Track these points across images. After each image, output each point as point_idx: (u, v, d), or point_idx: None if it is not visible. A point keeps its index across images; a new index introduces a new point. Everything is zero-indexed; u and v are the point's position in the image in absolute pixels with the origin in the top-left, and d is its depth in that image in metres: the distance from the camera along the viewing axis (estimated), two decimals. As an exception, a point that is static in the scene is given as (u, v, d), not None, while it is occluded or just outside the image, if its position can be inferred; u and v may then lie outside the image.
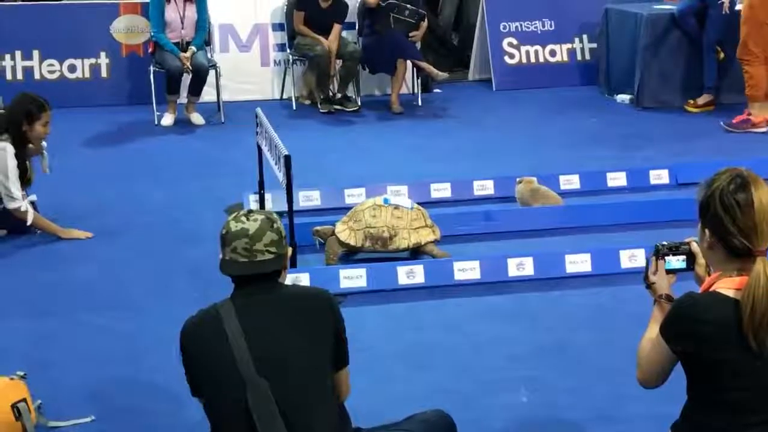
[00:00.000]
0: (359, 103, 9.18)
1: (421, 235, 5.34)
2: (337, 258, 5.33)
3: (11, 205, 5.64)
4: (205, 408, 2.80)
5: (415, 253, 5.39)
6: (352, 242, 5.30)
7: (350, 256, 5.41)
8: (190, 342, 2.80)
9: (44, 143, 5.95)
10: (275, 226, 2.84)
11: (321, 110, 9.02)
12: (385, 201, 5.41)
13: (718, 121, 8.26)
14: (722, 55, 8.75)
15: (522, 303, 4.87)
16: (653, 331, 2.71)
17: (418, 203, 6.18)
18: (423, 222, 5.38)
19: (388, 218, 5.30)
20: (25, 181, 5.79)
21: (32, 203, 5.83)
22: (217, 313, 2.78)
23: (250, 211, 2.87)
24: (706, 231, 2.59)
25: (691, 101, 8.86)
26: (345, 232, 5.32)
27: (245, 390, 2.68)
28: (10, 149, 5.59)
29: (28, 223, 5.71)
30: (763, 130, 8.10)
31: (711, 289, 2.56)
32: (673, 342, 2.55)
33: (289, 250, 2.92)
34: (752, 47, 8.05)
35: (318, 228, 5.46)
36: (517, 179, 6.16)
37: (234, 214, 2.87)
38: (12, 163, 5.59)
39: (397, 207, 5.36)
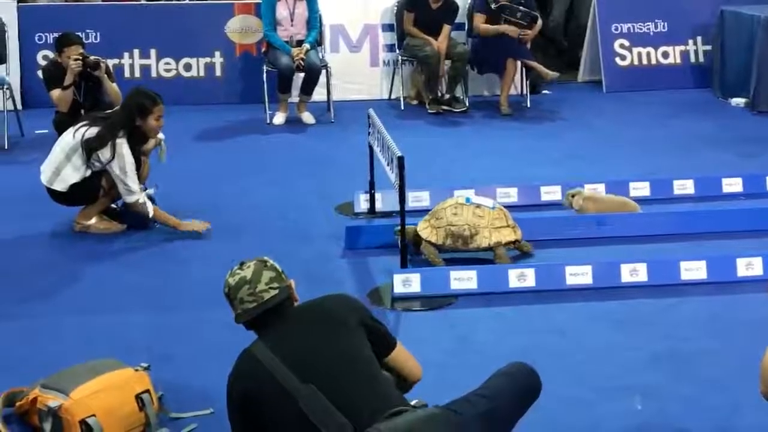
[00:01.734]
0: (467, 104, 9.18)
1: (503, 234, 5.33)
2: (438, 256, 5.33)
3: (130, 199, 5.80)
4: None
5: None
6: (433, 239, 5.32)
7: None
8: (243, 391, 2.95)
9: (162, 135, 6.10)
10: (269, 264, 3.09)
11: (429, 111, 9.06)
12: (467, 200, 5.44)
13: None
14: None
15: (635, 309, 4.81)
16: (779, 343, 2.66)
17: (528, 206, 6.21)
18: (504, 222, 5.37)
19: (470, 217, 5.32)
20: (140, 175, 5.94)
21: (150, 197, 5.98)
22: (251, 353, 2.97)
23: (242, 262, 3.10)
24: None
25: None
26: (427, 230, 5.35)
27: (297, 401, 2.82)
28: (126, 145, 5.74)
29: (150, 216, 5.85)
30: None
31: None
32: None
33: (292, 282, 3.13)
34: None
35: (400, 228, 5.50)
36: (569, 193, 6.01)
37: (229, 272, 3.10)
38: (129, 159, 5.74)
39: (478, 206, 5.38)
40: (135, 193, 5.79)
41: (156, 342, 4.49)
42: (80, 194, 5.87)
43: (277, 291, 3.02)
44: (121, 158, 5.71)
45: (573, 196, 5.97)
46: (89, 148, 5.71)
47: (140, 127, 5.80)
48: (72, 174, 5.79)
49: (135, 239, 5.91)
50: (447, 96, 9.14)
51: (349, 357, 2.94)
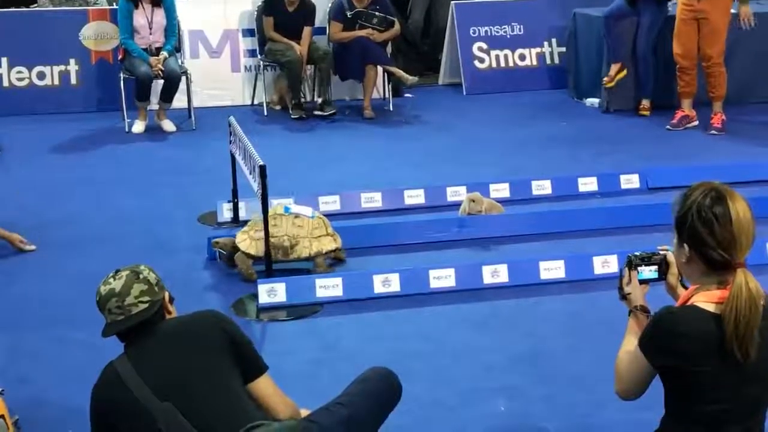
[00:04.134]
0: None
1: (323, 243, 5.33)
2: (252, 269, 5.24)
3: None
4: None
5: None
6: (252, 252, 5.22)
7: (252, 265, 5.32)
8: (101, 404, 2.94)
9: None
10: (142, 276, 3.01)
11: (292, 116, 9.02)
12: (286, 210, 5.38)
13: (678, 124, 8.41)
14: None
15: (497, 310, 4.90)
16: (631, 343, 2.73)
17: (393, 210, 6.25)
18: (324, 230, 5.37)
19: (289, 227, 5.27)
20: None
21: None
22: (113, 367, 2.94)
23: (117, 271, 3.04)
24: (685, 246, 2.61)
25: (642, 106, 8.95)
26: (245, 242, 5.25)
27: (155, 420, 2.81)
28: None
29: None
30: (696, 123, 8.43)
31: (689, 303, 2.59)
32: (653, 357, 2.58)
33: (167, 294, 3.08)
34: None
35: (218, 240, 5.40)
36: (471, 200, 6.00)
37: (103, 279, 3.04)
38: None
39: (297, 216, 5.34)
40: None
41: (9, 363, 4.33)
42: None
43: (146, 305, 2.97)
44: None
45: (473, 201, 5.96)
46: None
47: None
48: None
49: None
50: (319, 100, 9.05)
51: (210, 376, 2.91)
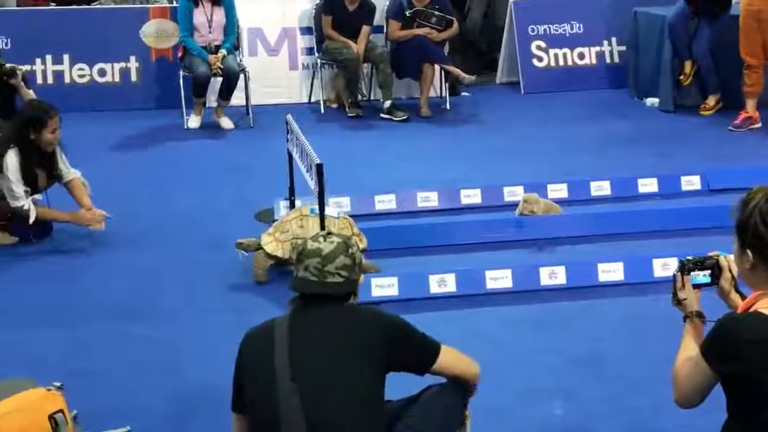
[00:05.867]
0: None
1: None
2: (266, 273, 5.23)
3: (14, 204, 5.75)
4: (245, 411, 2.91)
5: None
6: (279, 254, 5.18)
7: (278, 268, 5.31)
8: (245, 349, 2.93)
9: (78, 172, 5.98)
10: (350, 251, 2.95)
11: (349, 114, 9.02)
12: (312, 211, 5.30)
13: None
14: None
15: (554, 312, 4.85)
16: (689, 350, 2.68)
17: (449, 209, 6.22)
18: (350, 231, 5.31)
19: (316, 228, 5.16)
20: (36, 186, 5.85)
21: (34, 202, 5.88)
22: (273, 324, 2.90)
23: (329, 233, 3.01)
24: (748, 252, 2.55)
25: (705, 105, 8.83)
26: (272, 243, 5.22)
27: (279, 400, 2.75)
28: (13, 157, 5.70)
29: (30, 221, 5.77)
30: (759, 124, 8.32)
31: (752, 309, 2.53)
32: (718, 364, 2.51)
33: (362, 278, 3.01)
34: None
35: (241, 240, 5.35)
36: (525, 201, 5.95)
37: (314, 235, 3.02)
38: (14, 167, 5.70)
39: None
40: (19, 198, 5.75)
41: (69, 358, 4.39)
42: None
43: (342, 280, 2.90)
44: (6, 166, 5.69)
45: (526, 201, 5.91)
46: None
47: (35, 140, 5.74)
48: None
49: (40, 252, 5.78)
50: (387, 104, 8.98)
51: (353, 396, 2.79)
